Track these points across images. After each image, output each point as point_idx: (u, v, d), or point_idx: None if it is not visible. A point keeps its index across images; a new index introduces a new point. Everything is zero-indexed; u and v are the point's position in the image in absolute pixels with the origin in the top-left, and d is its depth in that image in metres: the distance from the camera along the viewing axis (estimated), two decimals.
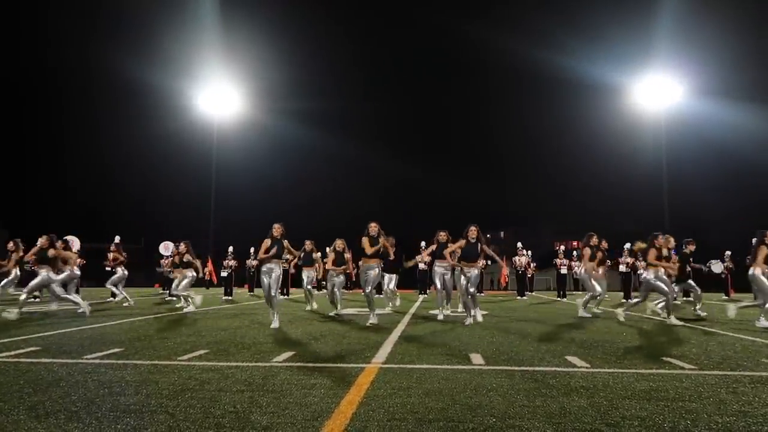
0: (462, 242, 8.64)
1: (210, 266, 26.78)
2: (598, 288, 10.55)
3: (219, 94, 32.29)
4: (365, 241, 8.49)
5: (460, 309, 9.99)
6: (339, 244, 10.20)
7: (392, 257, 9.45)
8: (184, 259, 11.90)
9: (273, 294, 8.12)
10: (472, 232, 8.54)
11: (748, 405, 3.52)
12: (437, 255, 9.80)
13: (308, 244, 12.08)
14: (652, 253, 8.90)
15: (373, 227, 8.54)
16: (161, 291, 21.10)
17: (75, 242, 18.14)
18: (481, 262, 9.12)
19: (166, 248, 21.78)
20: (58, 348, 5.79)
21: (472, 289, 8.56)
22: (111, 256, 14.34)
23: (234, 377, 4.29)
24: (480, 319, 8.33)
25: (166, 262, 19.92)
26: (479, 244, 8.61)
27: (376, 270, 8.64)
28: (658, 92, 29.67)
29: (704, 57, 42.07)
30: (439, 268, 9.89)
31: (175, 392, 3.74)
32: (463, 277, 8.72)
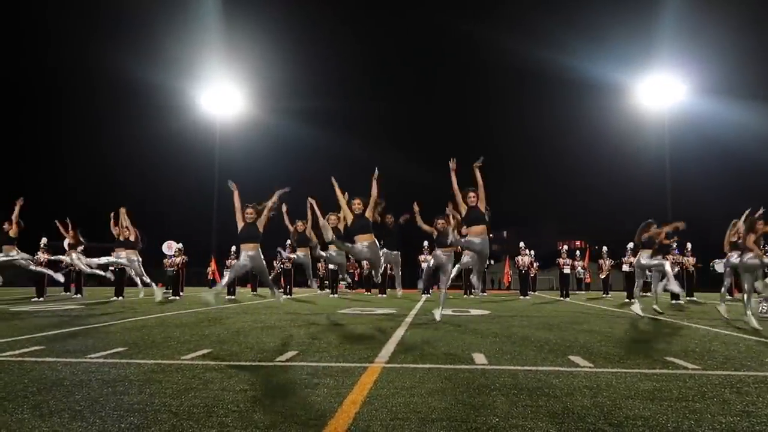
0: (462, 207, 7.91)
1: (213, 266, 26.87)
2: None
3: (221, 94, 32.37)
4: (349, 214, 7.97)
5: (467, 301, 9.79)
6: (333, 219, 9.52)
7: (388, 222, 8.92)
8: (131, 238, 11.79)
9: (272, 284, 7.99)
10: (472, 198, 7.84)
11: (752, 405, 3.51)
12: (438, 243, 9.21)
13: (300, 225, 11.13)
14: (751, 238, 8.42)
15: (357, 205, 7.85)
16: (165, 290, 21.14)
17: None
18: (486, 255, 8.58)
19: (169, 247, 21.86)
20: (61, 347, 5.80)
21: (475, 279, 8.19)
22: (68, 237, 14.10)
23: (237, 377, 4.29)
24: (480, 293, 8.06)
25: (169, 261, 19.97)
26: (480, 209, 7.93)
27: (371, 248, 7.87)
28: (660, 91, 29.66)
29: (707, 55, 42.00)
30: (442, 256, 9.14)
31: (178, 391, 3.74)
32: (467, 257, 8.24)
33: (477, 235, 7.96)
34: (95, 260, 12.85)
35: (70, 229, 14.12)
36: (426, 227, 9.47)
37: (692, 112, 34.02)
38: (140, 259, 12.76)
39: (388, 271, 18.97)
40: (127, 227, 12.46)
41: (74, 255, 13.87)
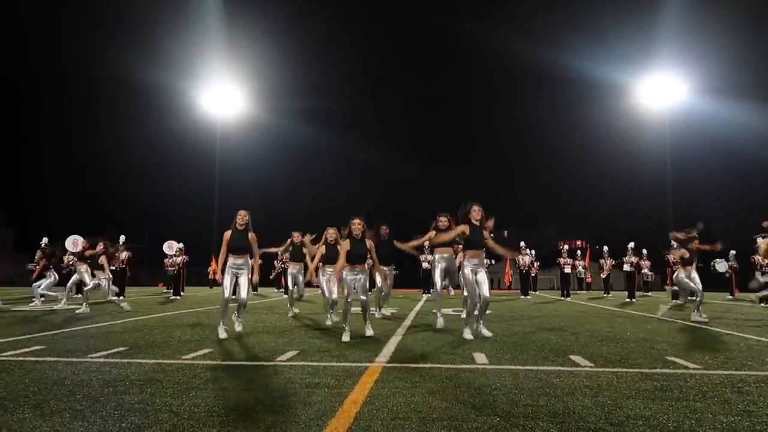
0: (464, 227, 6.90)
1: (214, 265, 26.87)
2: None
3: (222, 94, 32.34)
4: (344, 244, 6.95)
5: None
6: (331, 233, 8.59)
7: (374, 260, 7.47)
8: (99, 261, 11.13)
9: (245, 299, 7.08)
10: (476, 212, 6.87)
11: (753, 405, 3.51)
12: (438, 244, 8.24)
13: (296, 236, 10.17)
14: None
15: (357, 225, 6.93)
16: (165, 290, 21.14)
17: (79, 241, 18.22)
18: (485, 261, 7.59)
19: (170, 247, 21.84)
20: (62, 347, 5.81)
21: (486, 294, 6.76)
22: (38, 261, 13.31)
23: (238, 376, 4.30)
24: (487, 333, 6.78)
25: (170, 261, 19.98)
26: (483, 229, 6.98)
27: (362, 279, 7.00)
28: (661, 91, 29.59)
29: (708, 55, 41.95)
30: (441, 262, 8.30)
31: (179, 391, 3.74)
32: (468, 271, 6.78)
33: (474, 259, 6.93)
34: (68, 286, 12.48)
35: (41, 258, 13.27)
36: (420, 240, 8.48)
37: (693, 112, 34.01)
38: (110, 276, 12.07)
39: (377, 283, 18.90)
40: (105, 257, 11.66)
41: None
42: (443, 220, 8.27)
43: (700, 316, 9.32)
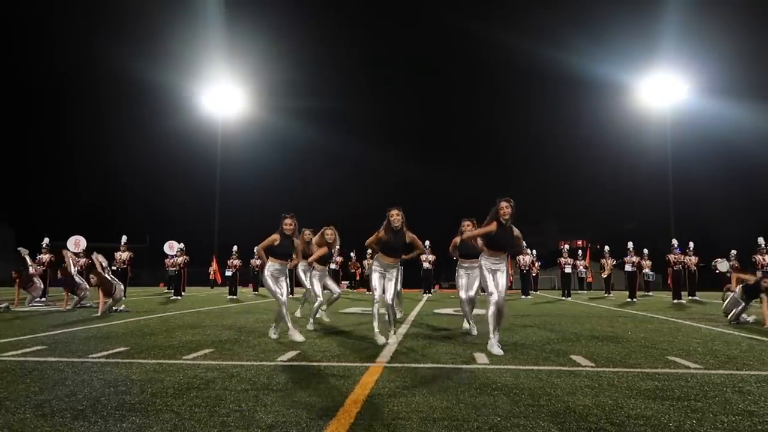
0: (494, 225, 5.88)
1: (215, 265, 26.92)
2: None
3: (223, 94, 32.34)
4: (380, 234, 6.43)
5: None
6: (329, 233, 8.26)
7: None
8: (92, 281, 11.13)
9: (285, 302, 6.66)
10: (505, 209, 5.90)
11: (754, 404, 3.51)
12: (464, 252, 7.47)
13: (307, 234, 9.28)
14: None
15: (397, 216, 6.37)
16: (166, 290, 21.15)
17: (81, 241, 18.25)
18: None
19: (170, 247, 21.86)
20: (63, 347, 5.81)
21: (502, 294, 5.86)
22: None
23: (239, 376, 4.30)
24: (499, 351, 5.51)
25: (171, 261, 19.99)
26: (512, 229, 6.06)
27: (393, 278, 6.48)
28: (663, 90, 29.56)
29: (710, 54, 41.88)
30: (466, 272, 7.43)
31: (180, 391, 3.75)
32: (490, 276, 5.94)
33: (494, 257, 6.18)
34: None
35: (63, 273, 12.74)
36: (453, 246, 7.71)
37: (694, 112, 33.95)
38: (123, 295, 11.87)
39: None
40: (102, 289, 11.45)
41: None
42: (467, 224, 7.57)
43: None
